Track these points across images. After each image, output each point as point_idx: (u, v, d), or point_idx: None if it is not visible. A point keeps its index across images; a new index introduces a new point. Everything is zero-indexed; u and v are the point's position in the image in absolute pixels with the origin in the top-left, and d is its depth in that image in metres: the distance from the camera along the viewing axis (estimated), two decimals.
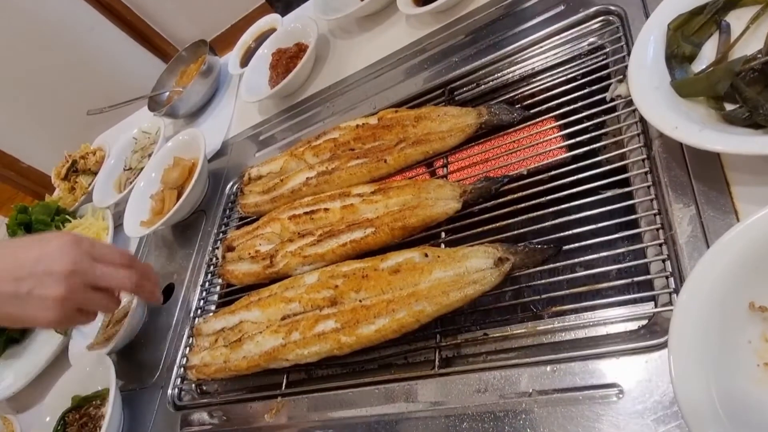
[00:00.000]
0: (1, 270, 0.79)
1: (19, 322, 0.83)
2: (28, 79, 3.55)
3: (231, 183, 1.35)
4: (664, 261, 0.66)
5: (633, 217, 0.72)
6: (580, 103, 0.85)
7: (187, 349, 1.09)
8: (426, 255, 0.81)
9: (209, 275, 1.21)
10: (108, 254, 0.87)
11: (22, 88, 3.58)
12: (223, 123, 1.54)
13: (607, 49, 0.87)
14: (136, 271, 0.88)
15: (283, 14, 1.63)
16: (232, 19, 4.14)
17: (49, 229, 1.50)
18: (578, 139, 0.81)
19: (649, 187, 0.72)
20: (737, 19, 0.71)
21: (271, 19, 1.62)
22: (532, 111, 0.90)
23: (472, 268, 0.75)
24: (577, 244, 0.73)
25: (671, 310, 0.56)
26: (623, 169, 0.77)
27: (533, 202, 0.80)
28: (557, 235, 0.76)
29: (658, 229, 0.68)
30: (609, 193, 0.75)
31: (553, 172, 0.81)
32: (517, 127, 0.90)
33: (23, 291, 0.79)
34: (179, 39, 4.21)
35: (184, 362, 1.08)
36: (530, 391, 0.67)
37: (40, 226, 1.51)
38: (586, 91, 0.85)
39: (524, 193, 0.82)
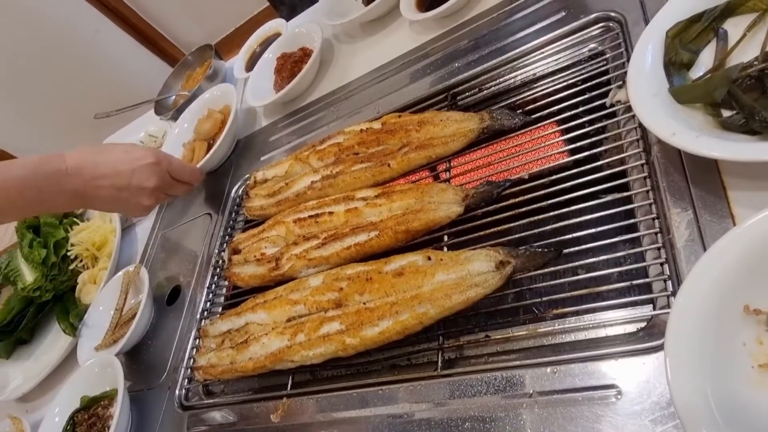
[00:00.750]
0: (105, 177, 1.07)
1: (120, 212, 1.42)
2: (35, 83, 3.59)
3: (237, 186, 1.36)
4: (662, 264, 0.67)
5: (632, 221, 0.73)
6: (580, 109, 0.86)
7: (194, 350, 1.11)
8: (429, 258, 0.83)
9: (215, 277, 1.23)
10: (181, 173, 1.19)
11: (29, 91, 3.61)
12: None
13: (608, 55, 0.89)
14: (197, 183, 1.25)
15: (287, 18, 1.65)
16: (236, 23, 4.17)
17: (57, 231, 1.52)
18: (579, 143, 0.83)
19: (648, 191, 0.73)
20: (734, 27, 0.72)
21: (276, 23, 1.64)
22: (533, 116, 0.91)
23: (475, 271, 0.77)
24: (577, 248, 0.75)
25: (669, 312, 0.57)
26: (623, 174, 0.78)
27: (534, 206, 0.81)
28: (558, 238, 0.77)
29: (656, 233, 0.70)
30: (609, 198, 0.76)
31: (554, 177, 0.82)
32: (518, 132, 0.92)
33: (123, 197, 1.10)
34: (184, 42, 4.24)
35: (191, 363, 1.10)
36: (531, 392, 0.69)
37: (48, 228, 1.53)
38: (586, 96, 0.86)
39: (526, 197, 0.83)
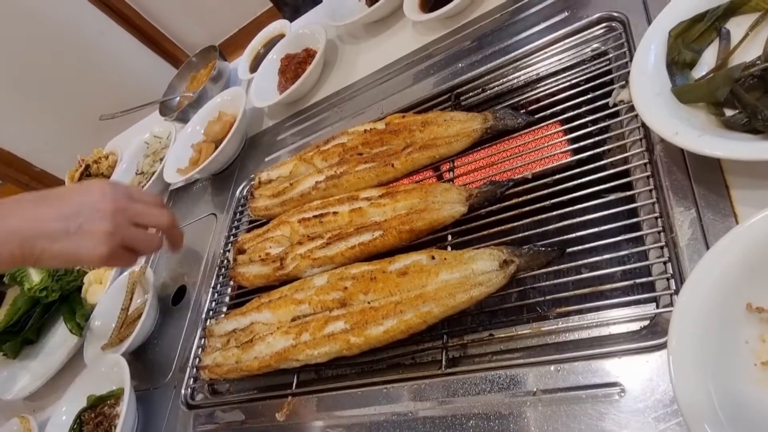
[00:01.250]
0: (51, 211, 0.83)
1: (71, 260, 0.86)
2: (40, 85, 3.60)
3: (241, 187, 1.37)
4: (665, 263, 0.68)
5: (635, 220, 0.73)
6: (583, 108, 0.86)
7: (200, 349, 1.12)
8: (433, 257, 0.83)
9: (220, 277, 1.23)
10: (144, 196, 0.94)
11: (34, 93, 3.63)
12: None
13: (610, 55, 0.89)
14: (169, 212, 0.94)
15: (291, 19, 1.66)
16: (239, 24, 4.18)
17: None
18: (582, 143, 0.83)
19: (651, 190, 0.73)
20: (737, 26, 0.73)
21: (279, 24, 1.65)
22: (536, 116, 0.91)
23: (478, 270, 0.77)
24: (580, 247, 0.75)
25: (672, 311, 0.57)
26: (626, 173, 0.78)
27: (538, 205, 0.82)
28: (561, 237, 0.77)
29: (659, 232, 0.70)
30: (612, 197, 0.77)
31: (557, 176, 0.82)
32: (522, 132, 0.92)
33: (73, 227, 0.83)
34: (188, 43, 4.26)
35: (196, 362, 1.11)
36: (535, 390, 0.69)
37: None
38: (589, 96, 0.86)
39: (529, 196, 0.84)
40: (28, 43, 3.43)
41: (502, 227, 0.84)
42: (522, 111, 0.94)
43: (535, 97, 0.94)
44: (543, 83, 0.95)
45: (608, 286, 0.71)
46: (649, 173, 0.74)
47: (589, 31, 0.94)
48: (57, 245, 0.83)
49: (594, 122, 0.84)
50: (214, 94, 1.63)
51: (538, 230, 0.80)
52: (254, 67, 1.58)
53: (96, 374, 1.21)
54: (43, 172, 3.90)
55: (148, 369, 1.22)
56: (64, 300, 1.47)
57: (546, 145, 0.87)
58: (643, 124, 0.76)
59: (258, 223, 1.21)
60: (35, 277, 1.48)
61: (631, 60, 0.81)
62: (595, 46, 0.92)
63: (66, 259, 0.85)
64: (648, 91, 0.73)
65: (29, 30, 3.41)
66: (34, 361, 1.46)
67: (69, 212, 0.84)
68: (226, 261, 1.24)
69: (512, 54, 1.01)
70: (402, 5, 1.25)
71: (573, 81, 0.90)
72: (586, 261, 0.74)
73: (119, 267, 0.96)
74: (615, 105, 0.83)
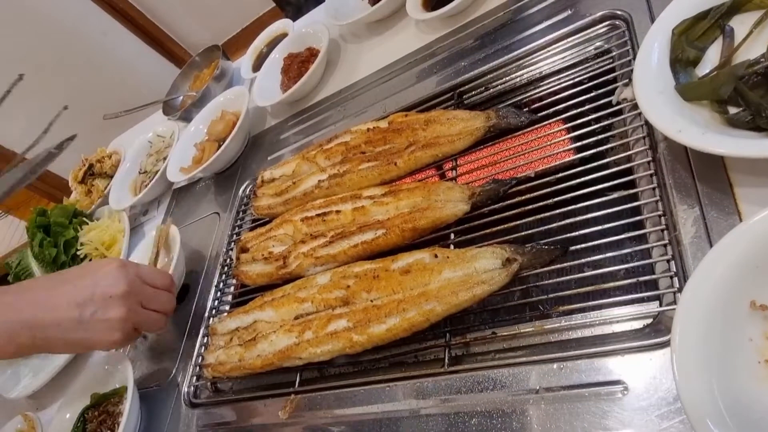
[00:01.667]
0: (63, 297, 0.85)
1: (85, 347, 0.90)
2: (44, 85, 3.61)
3: (244, 185, 1.37)
4: (668, 261, 0.68)
5: (638, 218, 0.73)
6: (587, 106, 0.86)
7: (203, 348, 1.12)
8: (436, 256, 0.83)
9: (223, 276, 1.24)
10: (153, 277, 0.97)
11: (38, 93, 3.63)
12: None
13: (614, 53, 0.89)
14: (173, 292, 0.99)
15: (293, 18, 1.66)
16: (242, 23, 4.19)
17: (68, 230, 1.54)
18: (585, 141, 0.83)
19: (654, 188, 0.73)
20: (741, 24, 0.72)
21: (282, 24, 1.65)
22: (539, 114, 0.91)
23: (481, 268, 0.77)
24: (583, 245, 0.75)
25: (675, 309, 0.57)
26: (629, 171, 0.78)
27: (541, 203, 0.82)
28: (564, 235, 0.77)
29: (663, 230, 0.70)
30: (615, 195, 0.77)
31: (560, 174, 0.82)
32: (525, 130, 0.92)
33: (87, 315, 0.85)
34: (191, 43, 4.27)
35: (199, 361, 1.11)
36: (538, 388, 0.69)
37: (58, 228, 1.54)
38: (593, 94, 0.86)
39: (532, 194, 0.83)
40: (32, 43, 3.45)
41: (505, 226, 0.84)
42: (525, 109, 0.94)
43: (538, 95, 0.94)
44: (546, 82, 0.95)
45: (611, 284, 0.71)
46: (652, 171, 0.74)
47: (592, 29, 0.94)
48: (71, 335, 0.84)
49: (597, 120, 0.84)
50: (217, 93, 1.63)
51: (540, 228, 0.80)
52: (257, 67, 1.58)
53: (100, 372, 1.21)
54: (46, 171, 3.91)
55: (152, 367, 1.23)
56: None
57: (549, 143, 0.87)
58: (647, 122, 0.76)
59: (261, 221, 1.22)
60: (39, 275, 1.48)
61: (634, 58, 0.81)
62: (598, 44, 0.92)
63: (80, 347, 0.89)
64: (651, 88, 0.73)
65: (33, 30, 3.42)
66: (37, 359, 1.46)
67: (82, 299, 0.85)
68: (229, 260, 1.24)
69: (515, 52, 1.01)
70: (404, 4, 1.25)
71: (576, 79, 0.90)
72: (589, 259, 0.74)
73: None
74: (618, 103, 0.83)
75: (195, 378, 1.11)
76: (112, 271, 0.89)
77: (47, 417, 1.31)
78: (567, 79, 0.91)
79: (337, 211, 0.99)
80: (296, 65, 1.41)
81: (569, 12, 0.98)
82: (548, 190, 0.82)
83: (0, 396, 1.43)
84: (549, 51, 0.97)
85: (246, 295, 1.15)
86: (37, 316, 0.82)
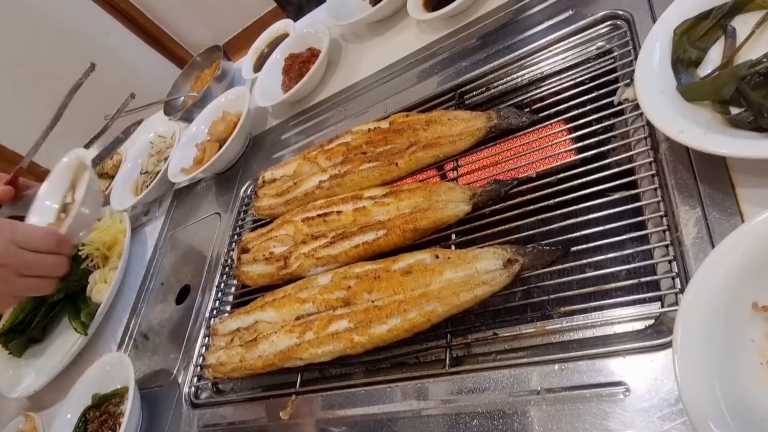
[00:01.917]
0: None
1: None
2: (45, 85, 3.61)
3: (245, 186, 1.37)
4: (670, 262, 0.67)
5: (640, 218, 0.73)
6: (588, 107, 0.86)
7: (204, 348, 1.12)
8: (437, 256, 0.83)
9: (224, 276, 1.24)
10: (33, 239, 0.88)
11: (40, 93, 3.64)
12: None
13: (615, 53, 0.89)
14: (65, 252, 0.89)
15: (295, 19, 1.66)
16: (243, 24, 4.19)
17: None
18: (587, 142, 0.83)
19: (656, 189, 0.73)
20: (743, 24, 0.72)
21: (283, 24, 1.65)
22: (541, 114, 0.91)
23: (482, 269, 0.77)
24: (585, 246, 0.75)
25: (677, 310, 0.57)
26: (631, 172, 0.78)
27: (542, 204, 0.81)
28: (566, 236, 0.77)
29: (664, 231, 0.70)
30: (617, 195, 0.76)
31: (561, 175, 0.82)
32: (526, 131, 0.92)
33: None
34: (192, 43, 4.27)
35: (200, 361, 1.11)
36: (539, 389, 0.69)
37: None
38: (594, 94, 0.86)
39: (533, 195, 0.83)
40: (33, 43, 3.45)
41: (506, 226, 0.84)
42: (526, 110, 0.94)
43: (539, 95, 0.94)
44: (547, 82, 0.95)
45: (613, 285, 0.71)
46: (654, 172, 0.74)
47: (593, 29, 0.93)
48: None
49: (598, 121, 0.84)
50: (219, 93, 1.63)
51: (542, 229, 0.80)
52: (258, 67, 1.58)
53: (101, 373, 1.21)
54: (48, 171, 3.91)
55: (153, 368, 1.23)
56: (69, 299, 1.48)
57: (550, 144, 0.87)
58: (648, 123, 0.76)
59: (262, 222, 1.22)
60: None
61: (635, 58, 0.80)
62: (600, 44, 0.92)
63: None
64: (653, 89, 0.72)
65: (34, 30, 3.43)
66: (39, 359, 1.47)
67: None
68: (230, 260, 1.24)
69: (516, 52, 1.01)
70: (406, 4, 1.25)
71: (577, 79, 0.90)
72: (590, 260, 0.74)
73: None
74: (620, 103, 0.83)
75: (196, 378, 1.11)
76: None
77: (49, 417, 1.31)
78: (568, 79, 0.91)
79: (338, 212, 0.99)
80: (297, 65, 1.41)
81: (570, 12, 0.98)
82: (549, 190, 0.82)
83: (2, 396, 1.43)
84: (550, 51, 0.97)
85: (247, 295, 1.15)
86: None
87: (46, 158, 3.88)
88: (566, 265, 0.76)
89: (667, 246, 0.69)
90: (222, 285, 1.23)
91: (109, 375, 1.20)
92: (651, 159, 0.75)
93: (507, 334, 0.78)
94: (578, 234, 0.76)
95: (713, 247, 0.63)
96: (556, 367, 0.69)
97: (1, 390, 1.44)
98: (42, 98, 3.67)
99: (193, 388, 1.10)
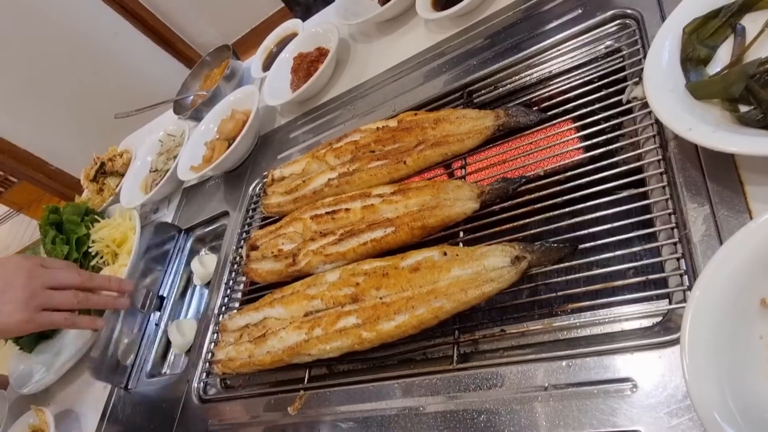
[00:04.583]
0: None
1: None
2: (57, 85, 3.66)
3: (254, 184, 1.38)
4: (678, 259, 0.68)
5: (648, 216, 0.73)
6: (596, 105, 0.86)
7: (213, 344, 1.13)
8: (445, 254, 0.83)
9: (233, 273, 1.24)
10: (55, 263, 1.04)
11: (50, 93, 3.68)
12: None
13: (624, 52, 0.89)
14: (83, 276, 1.03)
15: (303, 19, 1.66)
16: (251, 24, 4.21)
17: (79, 228, 1.55)
18: (595, 140, 0.83)
19: (664, 187, 0.73)
20: (752, 23, 0.72)
21: (292, 24, 1.65)
22: (549, 113, 0.91)
23: (490, 266, 0.77)
24: (593, 243, 0.75)
25: (685, 307, 0.57)
26: (639, 170, 0.78)
27: (550, 202, 0.82)
28: (573, 234, 0.77)
29: (672, 228, 0.70)
30: (625, 194, 0.77)
31: (569, 173, 0.82)
32: (534, 129, 0.92)
33: None
34: (200, 43, 4.30)
35: (209, 357, 1.12)
36: (546, 385, 0.69)
37: (70, 225, 1.56)
38: (602, 93, 0.86)
39: (541, 193, 0.84)
40: (44, 44, 3.49)
41: (514, 224, 0.84)
42: (534, 108, 0.94)
43: (547, 94, 0.94)
44: (556, 80, 0.95)
45: (621, 282, 0.71)
46: (662, 170, 0.74)
47: (602, 28, 0.94)
48: None
49: (607, 119, 0.84)
50: (228, 92, 1.64)
51: (550, 227, 0.80)
52: (267, 66, 1.59)
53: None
54: (58, 170, 3.96)
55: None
56: None
57: (558, 142, 0.87)
58: (657, 121, 0.76)
59: (271, 219, 1.22)
60: None
61: (644, 57, 0.81)
62: (609, 43, 0.92)
63: None
64: (662, 87, 0.73)
65: (45, 32, 3.46)
66: (49, 355, 1.48)
67: None
68: (239, 257, 1.25)
69: (525, 52, 1.01)
70: (414, 4, 1.26)
71: (586, 78, 0.90)
72: (598, 257, 0.74)
73: (49, 328, 1.04)
74: (628, 102, 0.83)
75: (205, 374, 1.12)
76: (15, 262, 0.97)
77: (58, 411, 1.33)
78: (577, 78, 0.91)
79: (347, 209, 1.00)
80: (306, 65, 1.41)
81: (579, 11, 0.98)
82: (557, 188, 0.82)
83: (13, 391, 1.45)
84: (559, 50, 0.98)
85: (256, 292, 1.15)
86: None
87: (56, 158, 3.92)
88: (574, 262, 0.76)
89: (675, 243, 0.69)
90: (231, 282, 1.23)
91: None
92: (659, 157, 0.75)
93: (514, 331, 0.78)
94: (586, 232, 0.76)
95: (721, 244, 0.63)
96: (564, 363, 0.69)
97: (12, 385, 1.46)
98: (53, 98, 3.72)
99: (202, 384, 1.11)
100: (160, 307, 1.34)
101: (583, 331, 0.73)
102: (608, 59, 0.90)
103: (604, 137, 0.82)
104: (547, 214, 0.81)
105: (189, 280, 1.44)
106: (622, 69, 0.87)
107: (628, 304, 0.71)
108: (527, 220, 0.83)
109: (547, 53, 0.99)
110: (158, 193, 1.57)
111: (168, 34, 4.15)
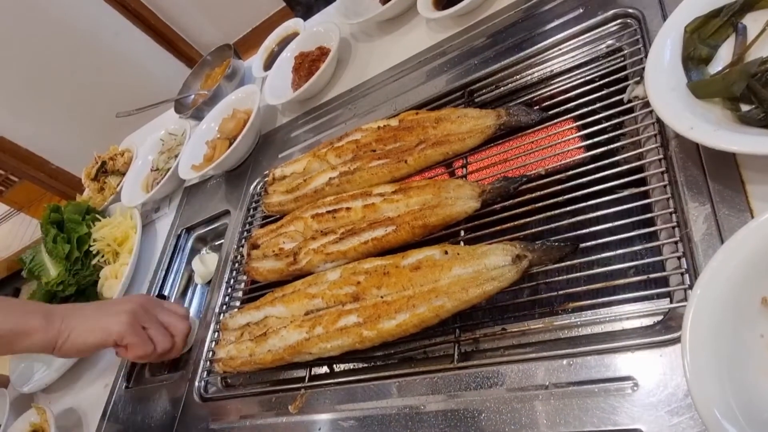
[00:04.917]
0: (86, 306, 1.12)
1: (95, 329, 1.06)
2: (58, 84, 3.66)
3: (255, 183, 1.38)
4: (679, 258, 0.67)
5: (649, 215, 0.73)
6: (598, 105, 0.86)
7: (214, 343, 1.13)
8: (446, 252, 0.83)
9: (234, 272, 1.25)
10: (172, 306, 1.17)
11: (51, 92, 3.68)
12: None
13: (625, 51, 0.89)
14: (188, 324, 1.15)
15: (304, 18, 1.67)
16: (252, 23, 4.22)
17: (80, 227, 1.55)
18: (596, 139, 0.83)
19: (665, 186, 0.73)
20: (754, 22, 0.72)
21: (293, 23, 1.65)
22: (550, 112, 0.91)
23: (491, 265, 0.77)
24: (593, 242, 0.75)
25: (686, 305, 0.57)
26: (640, 169, 0.78)
27: (551, 201, 0.82)
28: (574, 233, 0.77)
29: (673, 227, 0.70)
30: (626, 193, 0.77)
31: (570, 172, 0.82)
32: (535, 129, 0.92)
33: (104, 307, 1.10)
34: (202, 43, 4.30)
35: (210, 356, 1.12)
36: (547, 383, 0.69)
37: (71, 224, 1.56)
38: (604, 92, 0.86)
39: (542, 192, 0.84)
40: (46, 43, 3.49)
41: (515, 223, 0.84)
42: (536, 107, 0.94)
43: (548, 93, 0.94)
44: (557, 80, 0.95)
45: (621, 281, 0.71)
46: (663, 169, 0.74)
47: (603, 27, 0.94)
48: (88, 322, 1.05)
49: (608, 118, 0.84)
50: (229, 91, 1.64)
51: (550, 226, 0.80)
52: (268, 65, 1.59)
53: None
54: (59, 169, 3.96)
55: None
56: (81, 294, 1.50)
57: (559, 141, 0.87)
58: (658, 120, 0.76)
59: (272, 218, 1.22)
60: (52, 271, 1.50)
61: (646, 56, 0.80)
62: (610, 42, 0.92)
63: (91, 328, 1.05)
64: (663, 86, 0.73)
65: (47, 31, 3.47)
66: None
67: (101, 305, 1.13)
68: (239, 256, 1.25)
69: (526, 51, 1.01)
70: (416, 3, 1.26)
71: (587, 77, 0.90)
72: (599, 256, 0.74)
73: (138, 353, 1.08)
74: (629, 101, 0.83)
75: (206, 373, 1.12)
76: (140, 296, 1.14)
77: (59, 410, 1.33)
78: (578, 77, 0.91)
79: (348, 208, 1.00)
80: (307, 64, 1.41)
81: (581, 10, 0.98)
82: (558, 187, 0.82)
83: (14, 389, 1.45)
84: (560, 49, 0.98)
85: (256, 291, 1.15)
86: (64, 309, 1.06)
87: (57, 157, 3.92)
88: (575, 261, 0.76)
89: (676, 242, 0.69)
90: (232, 281, 1.24)
91: None
92: (661, 156, 0.75)
93: (515, 330, 0.79)
94: (587, 231, 0.76)
95: (723, 243, 0.63)
96: (564, 362, 0.69)
97: (13, 383, 1.46)
98: (54, 97, 3.72)
99: (202, 383, 1.11)
100: None
101: (583, 330, 0.73)
102: (609, 58, 0.90)
103: (605, 136, 0.82)
104: (548, 213, 0.81)
105: (190, 279, 1.45)
106: (624, 68, 0.87)
107: (629, 303, 0.71)
108: (528, 219, 0.83)
109: (548, 52, 0.99)
110: (159, 192, 1.57)
111: (169, 33, 4.15)
